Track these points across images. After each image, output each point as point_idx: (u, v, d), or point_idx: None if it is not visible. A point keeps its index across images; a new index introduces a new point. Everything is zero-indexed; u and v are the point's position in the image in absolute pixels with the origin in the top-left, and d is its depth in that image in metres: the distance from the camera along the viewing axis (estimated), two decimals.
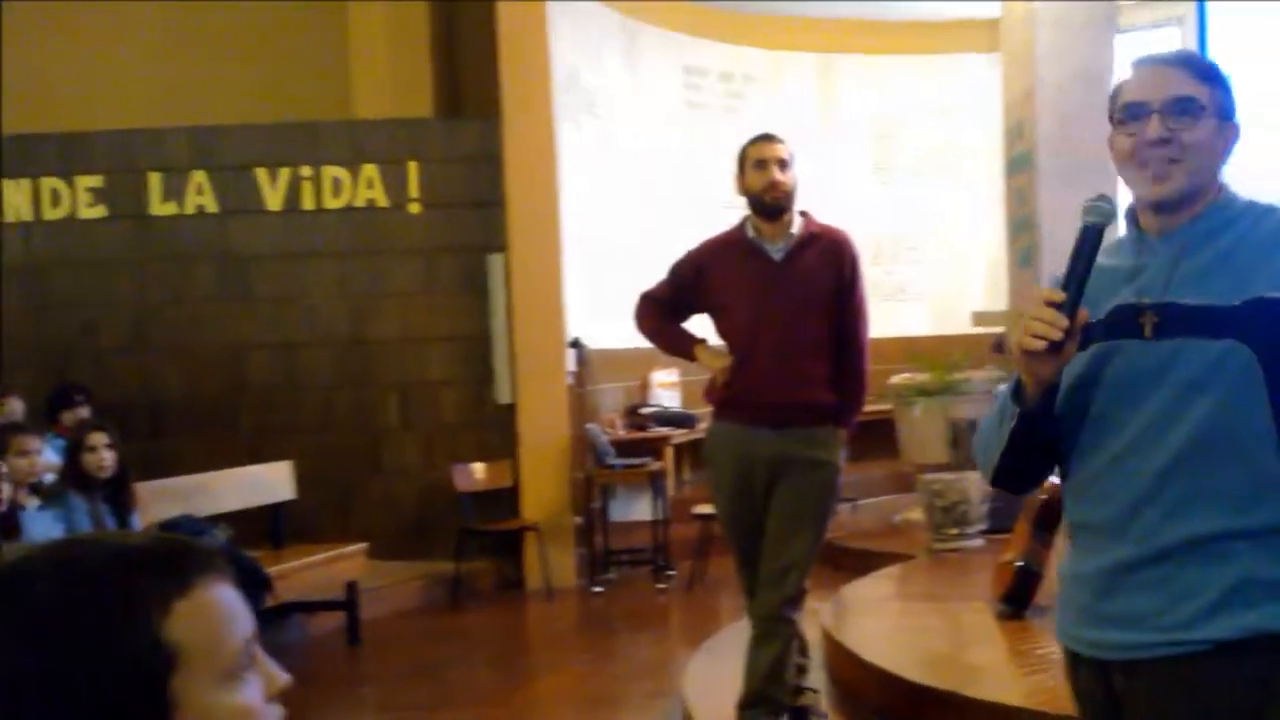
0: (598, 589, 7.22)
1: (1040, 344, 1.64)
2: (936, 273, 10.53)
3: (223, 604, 0.93)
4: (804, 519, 3.80)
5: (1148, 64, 1.80)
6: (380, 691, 5.60)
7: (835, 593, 5.46)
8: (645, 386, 8.83)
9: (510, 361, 7.46)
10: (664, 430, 8.20)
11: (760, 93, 10.16)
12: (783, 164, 3.78)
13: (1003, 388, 1.86)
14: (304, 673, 5.70)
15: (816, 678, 4.46)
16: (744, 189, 3.85)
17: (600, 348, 7.90)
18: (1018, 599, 4.82)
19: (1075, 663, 1.83)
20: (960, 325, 9.26)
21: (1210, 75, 1.78)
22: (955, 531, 6.52)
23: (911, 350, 7.55)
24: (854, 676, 4.42)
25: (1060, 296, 1.66)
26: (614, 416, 8.23)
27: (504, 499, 7.36)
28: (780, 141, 3.86)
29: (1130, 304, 1.74)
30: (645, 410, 8.44)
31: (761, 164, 3.78)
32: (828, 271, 3.82)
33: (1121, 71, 1.83)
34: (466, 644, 6.34)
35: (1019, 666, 4.26)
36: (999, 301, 8.83)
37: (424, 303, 7.61)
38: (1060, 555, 4.93)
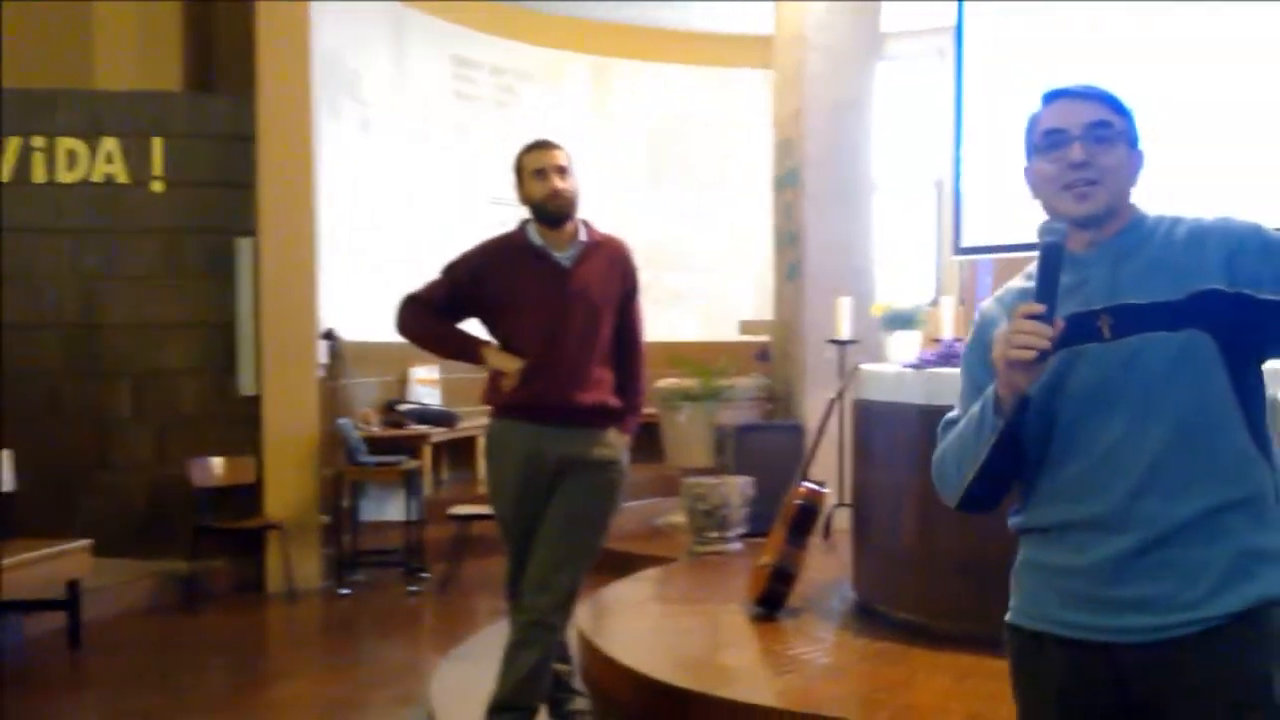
0: (344, 591, 6.93)
1: (1030, 354, 1.75)
2: (706, 280, 10.67)
3: None
4: (584, 522, 3.75)
5: (1063, 97, 1.94)
6: (103, 696, 5.21)
7: (594, 595, 5.40)
8: (404, 382, 8.61)
9: (256, 351, 7.09)
10: (422, 428, 8.00)
11: (533, 90, 10.10)
12: (562, 171, 3.73)
13: (954, 413, 1.99)
14: (21, 676, 5.28)
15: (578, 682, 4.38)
16: (525, 198, 3.78)
17: (356, 340, 7.63)
18: (772, 601, 4.88)
19: (1038, 645, 1.92)
20: (728, 333, 9.40)
21: (1118, 106, 1.94)
22: (715, 535, 6.57)
23: (678, 356, 7.57)
24: (608, 679, 4.37)
25: (1040, 309, 1.77)
26: (369, 412, 7.96)
27: (246, 496, 6.98)
28: (558, 148, 3.81)
29: (1084, 311, 1.86)
30: (403, 407, 8.21)
31: (541, 173, 3.72)
32: (613, 279, 3.82)
33: (1029, 104, 1.99)
34: (199, 647, 5.96)
35: (771, 667, 4.32)
36: (766, 311, 8.98)
37: (164, 286, 7.16)
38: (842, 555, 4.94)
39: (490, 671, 3.74)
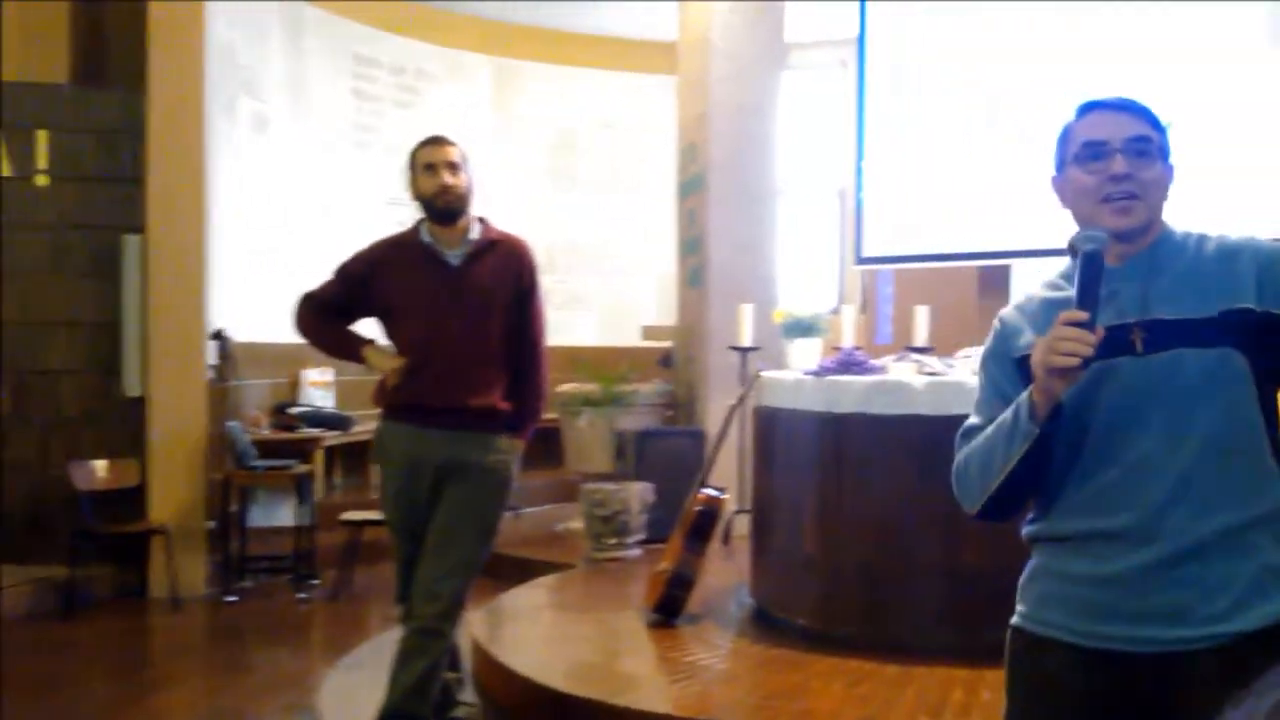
0: (231, 598, 6.74)
1: (1074, 360, 1.76)
2: (609, 285, 10.64)
3: None
4: (469, 528, 3.67)
5: (1100, 108, 1.96)
6: None
7: (490, 602, 5.32)
8: (296, 385, 8.41)
9: (142, 351, 6.86)
10: (314, 431, 7.81)
11: (436, 90, 9.98)
12: (453, 167, 3.68)
13: (974, 420, 1.99)
14: None
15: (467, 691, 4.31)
16: (416, 193, 3.73)
17: (247, 341, 7.42)
18: (670, 608, 4.85)
19: (1041, 650, 1.94)
20: (630, 338, 9.37)
21: (1155, 121, 1.94)
22: (614, 541, 6.53)
23: (580, 360, 7.52)
24: (503, 688, 4.31)
25: (1084, 316, 1.78)
26: (260, 415, 7.75)
27: (129, 500, 6.75)
28: (451, 144, 3.76)
29: (1118, 324, 1.86)
30: (295, 410, 8.01)
31: (431, 168, 3.68)
32: (506, 279, 3.75)
33: (1067, 117, 1.99)
34: (79, 655, 5.74)
35: (667, 674, 4.29)
36: (669, 317, 8.97)
37: (46, 283, 6.90)
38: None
39: (380, 680, 3.67)
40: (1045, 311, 1.91)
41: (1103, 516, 1.87)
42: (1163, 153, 1.93)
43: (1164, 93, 6.97)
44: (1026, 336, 1.92)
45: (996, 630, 4.04)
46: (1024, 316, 1.99)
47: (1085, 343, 1.76)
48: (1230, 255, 1.88)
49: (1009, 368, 1.96)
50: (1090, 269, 1.82)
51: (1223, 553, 1.81)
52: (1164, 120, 1.96)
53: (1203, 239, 1.93)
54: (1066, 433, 1.88)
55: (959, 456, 2.00)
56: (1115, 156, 1.89)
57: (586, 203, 10.63)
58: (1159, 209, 1.93)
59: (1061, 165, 1.97)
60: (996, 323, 2.06)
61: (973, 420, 2.00)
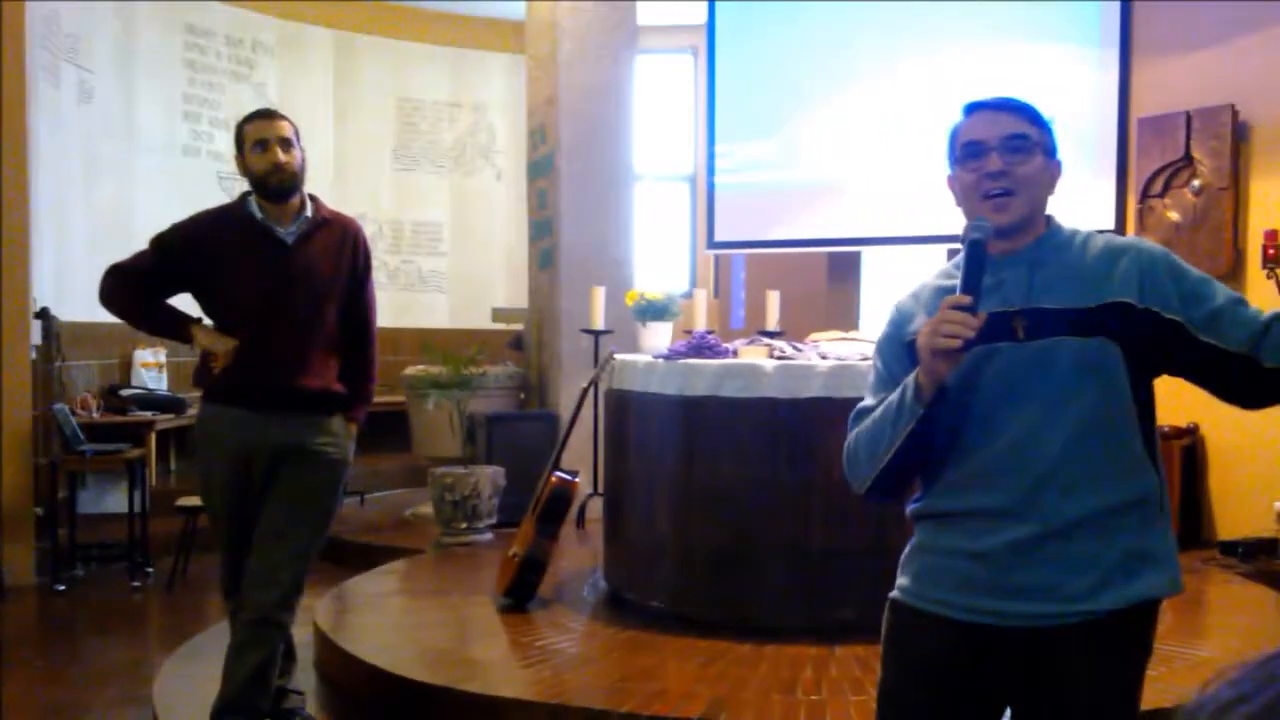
0: (61, 587, 6.47)
1: (956, 342, 1.83)
2: (458, 266, 10.49)
3: None
4: (304, 513, 3.56)
5: (982, 109, 2.03)
6: None
7: (335, 589, 5.20)
8: (126, 365, 8.10)
9: None
10: (146, 414, 7.53)
11: (272, 63, 9.66)
12: (286, 143, 3.51)
13: (866, 402, 2.06)
14: None
15: (308, 678, 4.23)
16: (245, 169, 3.55)
17: (74, 320, 7.10)
18: (521, 592, 4.83)
19: (917, 623, 2.01)
20: (480, 320, 9.26)
21: (1036, 118, 2.02)
22: (464, 525, 6.45)
23: (428, 342, 7.40)
24: (347, 675, 4.23)
25: (968, 300, 1.86)
26: (88, 397, 7.42)
27: None
28: (282, 118, 3.59)
29: (1001, 311, 1.94)
30: (126, 392, 7.71)
31: (263, 144, 3.50)
32: (340, 259, 3.62)
33: (954, 117, 2.08)
34: None
35: (519, 659, 4.25)
36: (520, 299, 8.89)
37: None
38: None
39: (218, 669, 3.56)
40: (936, 298, 1.98)
41: (979, 495, 1.96)
42: (1045, 148, 2.01)
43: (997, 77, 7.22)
44: (918, 321, 1.99)
45: (845, 608, 4.14)
46: (917, 303, 2.07)
47: (967, 325, 1.84)
48: (1115, 253, 1.96)
49: (900, 352, 2.03)
50: (974, 256, 1.90)
51: (1090, 534, 1.90)
52: (1048, 116, 2.04)
53: (1090, 236, 2.02)
54: (949, 414, 1.95)
55: (849, 438, 2.07)
56: (991, 155, 1.97)
57: (432, 182, 10.45)
58: (1039, 203, 2.01)
59: (950, 164, 2.06)
60: (892, 310, 2.14)
61: (865, 402, 2.08)
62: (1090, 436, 1.90)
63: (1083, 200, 6.93)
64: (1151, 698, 3.42)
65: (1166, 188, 6.60)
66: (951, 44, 7.34)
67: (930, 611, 2.00)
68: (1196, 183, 6.46)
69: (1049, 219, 2.04)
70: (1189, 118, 6.49)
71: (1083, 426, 1.90)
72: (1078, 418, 1.90)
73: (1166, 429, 6.36)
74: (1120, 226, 6.83)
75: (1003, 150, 1.97)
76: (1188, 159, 6.51)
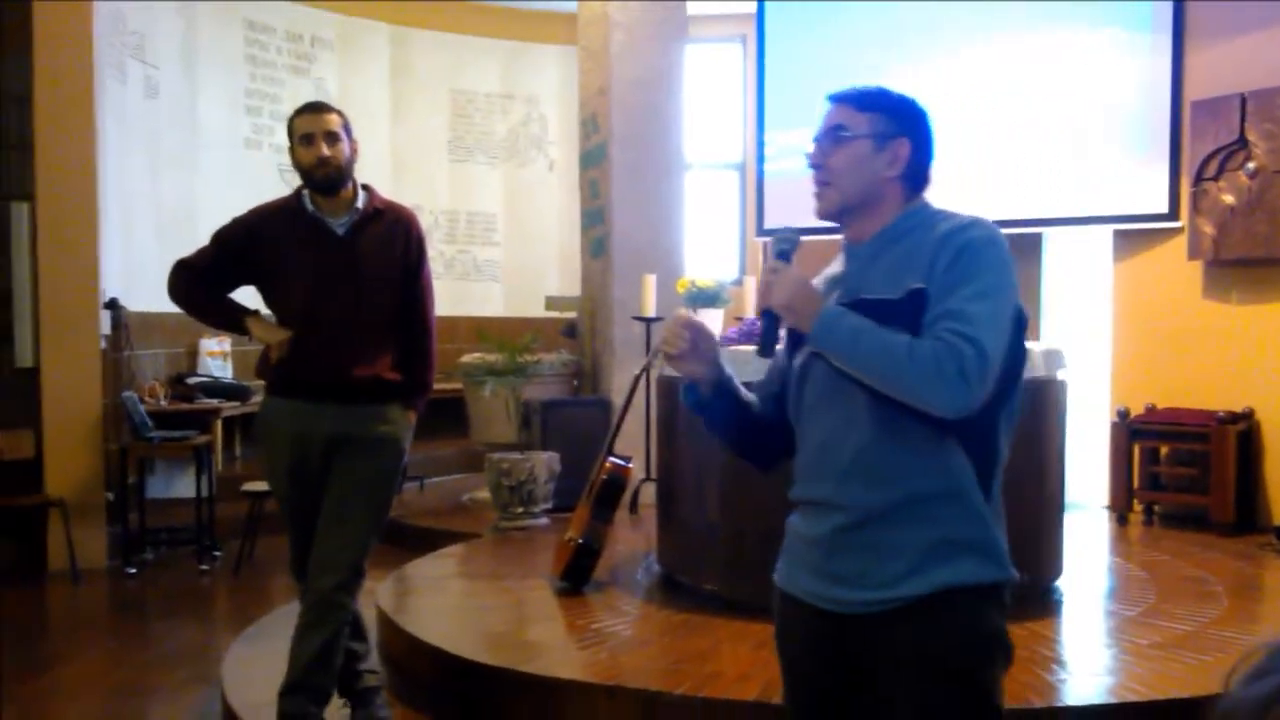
0: (132, 570, 6.66)
1: (672, 349, 2.04)
2: (513, 255, 10.61)
3: None
4: (364, 500, 3.61)
5: (828, 101, 2.06)
6: None
7: (396, 573, 5.31)
8: (193, 354, 8.30)
9: (34, 322, 6.70)
10: (212, 402, 7.72)
11: (331, 58, 9.83)
12: (331, 137, 3.54)
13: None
14: None
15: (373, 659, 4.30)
16: (295, 163, 3.60)
17: (142, 310, 7.29)
18: (577, 576, 4.89)
19: (785, 605, 2.09)
20: (534, 308, 9.38)
21: (869, 104, 2.02)
22: (521, 510, 6.56)
23: (484, 330, 7.52)
24: (409, 657, 4.31)
25: (684, 317, 2.08)
26: (156, 385, 7.62)
27: (24, 472, 6.62)
28: (330, 111, 3.62)
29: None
30: (192, 380, 7.90)
31: (309, 138, 3.53)
32: (393, 249, 3.65)
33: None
34: None
35: (575, 641, 4.29)
36: (573, 288, 8.99)
37: None
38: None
39: (284, 651, 3.63)
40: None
41: (808, 485, 2.04)
42: (872, 136, 2.00)
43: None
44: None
45: None
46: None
47: (673, 338, 2.04)
48: (941, 237, 1.92)
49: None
50: (778, 257, 2.01)
51: (899, 522, 1.91)
52: (885, 101, 2.03)
53: (946, 219, 1.96)
54: (794, 409, 2.07)
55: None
56: (814, 146, 2.04)
57: (486, 173, 10.57)
58: (861, 192, 2.00)
59: None
60: None
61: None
62: (887, 429, 1.90)
63: (1135, 184, 6.92)
64: (1205, 684, 3.49)
65: (1221, 171, 6.56)
66: (1000, 31, 7.34)
67: (788, 592, 2.08)
68: (1251, 165, 6.41)
69: (910, 204, 2.03)
70: (1243, 100, 6.44)
71: (880, 418, 1.90)
72: (874, 410, 1.90)
73: (1222, 414, 6.34)
74: (1174, 210, 6.80)
75: (822, 141, 2.02)
76: (1242, 142, 6.46)
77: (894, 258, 1.95)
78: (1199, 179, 6.63)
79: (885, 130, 2.00)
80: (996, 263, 1.88)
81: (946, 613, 1.90)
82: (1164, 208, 6.85)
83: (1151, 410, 6.77)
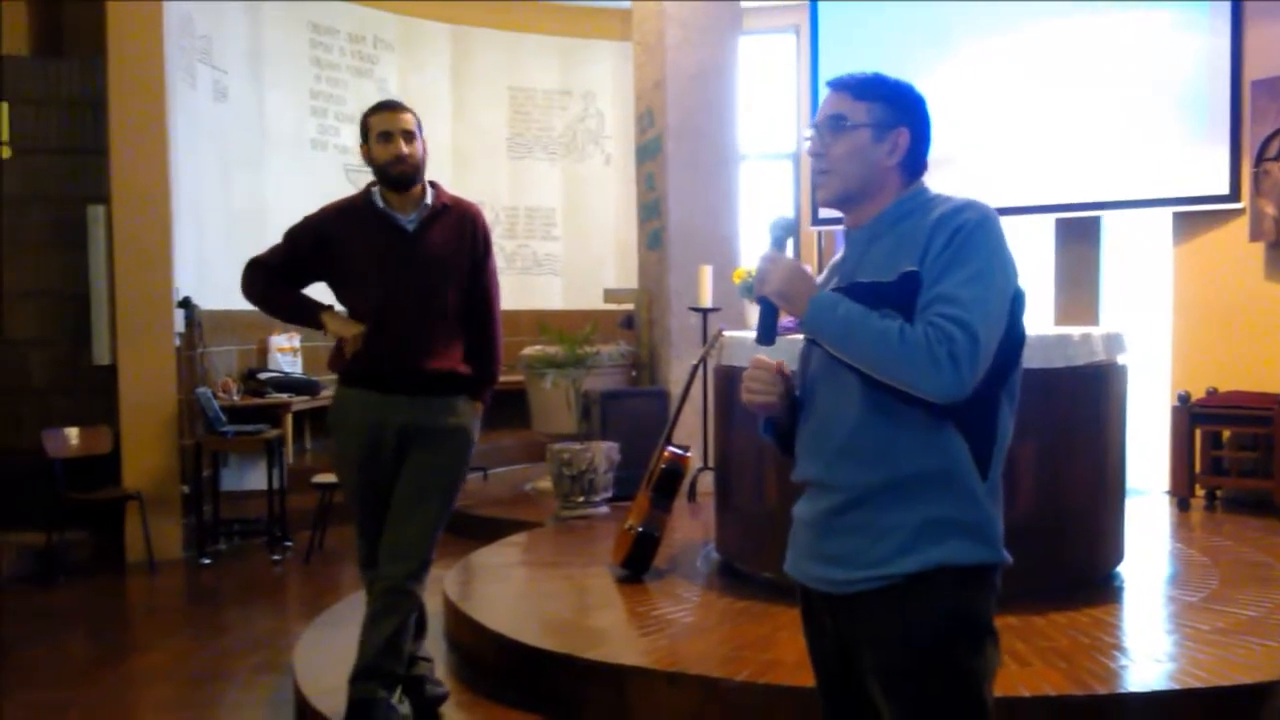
0: (206, 561, 6.86)
1: (757, 400, 2.10)
2: (571, 249, 10.72)
3: None
4: (433, 490, 3.69)
5: (827, 88, 2.08)
6: None
7: (461, 561, 5.42)
8: (264, 351, 8.48)
9: (110, 321, 6.92)
10: (283, 396, 7.91)
11: (392, 58, 9.98)
12: (409, 135, 3.63)
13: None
14: None
15: (437, 646, 4.40)
16: (370, 159, 3.68)
17: (213, 308, 7.49)
18: (637, 563, 4.96)
19: (805, 593, 2.10)
20: (593, 301, 9.47)
21: (867, 93, 2.03)
22: (582, 499, 6.65)
23: (544, 323, 7.63)
24: (474, 643, 4.38)
25: (771, 364, 2.09)
26: (229, 381, 7.82)
27: (103, 466, 6.83)
28: (405, 110, 3.69)
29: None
30: (263, 375, 8.09)
31: (387, 136, 3.61)
32: (461, 244, 3.73)
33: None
34: (55, 621, 5.82)
35: (636, 628, 4.34)
36: (630, 280, 9.07)
37: (11, 256, 6.94)
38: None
39: (354, 638, 3.71)
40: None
41: (804, 467, 2.07)
42: (872, 125, 2.01)
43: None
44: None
45: None
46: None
47: (766, 388, 2.06)
48: (936, 220, 1.92)
49: None
50: (774, 245, 2.04)
51: (889, 503, 1.93)
52: (884, 90, 2.03)
53: (942, 203, 1.97)
54: (801, 387, 2.09)
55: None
56: (814, 135, 2.05)
57: (544, 168, 10.68)
58: (862, 180, 2.02)
59: None
60: None
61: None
62: (878, 410, 1.91)
63: (1195, 166, 6.86)
64: (1269, 669, 3.48)
65: None
66: (1054, 15, 7.29)
67: (797, 579, 2.10)
68: None
69: (907, 190, 2.04)
70: None
71: (871, 400, 1.91)
72: (865, 392, 1.92)
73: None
74: (1235, 192, 6.73)
75: (822, 131, 2.03)
76: None
77: (890, 242, 1.97)
78: (1260, 159, 6.57)
79: (885, 120, 2.02)
80: (989, 246, 1.89)
81: (931, 592, 1.90)
82: (1224, 189, 6.79)
83: (1213, 394, 6.72)
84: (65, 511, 6.61)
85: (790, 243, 2.08)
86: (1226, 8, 6.76)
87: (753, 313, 5.84)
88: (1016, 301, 1.94)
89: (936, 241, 1.89)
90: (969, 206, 1.93)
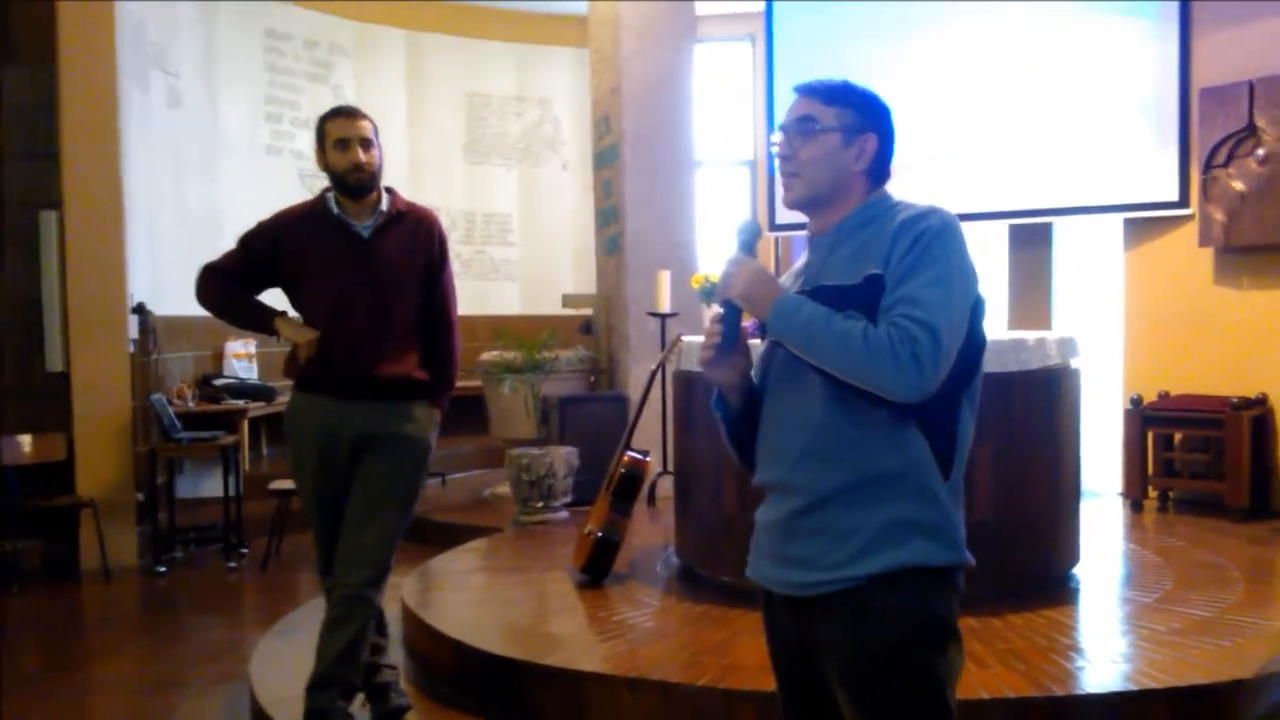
0: (162, 569, 6.80)
1: (710, 353, 2.05)
2: (529, 254, 10.71)
3: None
4: (390, 496, 3.68)
5: (794, 92, 2.09)
6: None
7: (419, 567, 5.40)
8: (219, 357, 8.42)
9: (64, 327, 6.84)
10: (239, 403, 7.84)
11: (348, 64, 9.94)
12: (366, 142, 3.61)
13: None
14: None
15: (395, 653, 4.36)
16: (326, 166, 3.66)
17: (168, 314, 7.42)
18: (597, 568, 4.96)
19: (767, 596, 2.10)
20: (551, 306, 9.47)
21: (836, 98, 2.05)
22: (541, 504, 6.65)
23: (502, 328, 7.62)
24: (432, 650, 4.37)
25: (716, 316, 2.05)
26: (184, 387, 7.75)
27: (56, 474, 6.76)
28: (363, 117, 3.67)
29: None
30: (219, 381, 8.02)
31: (344, 143, 3.59)
32: (416, 250, 3.72)
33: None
34: (10, 628, 5.74)
35: (596, 634, 4.34)
36: (588, 285, 9.08)
37: None
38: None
39: (311, 646, 3.69)
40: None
41: (765, 471, 2.07)
42: (841, 129, 2.03)
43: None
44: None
45: None
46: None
47: (709, 337, 2.02)
48: (900, 225, 1.94)
49: None
50: (740, 249, 2.04)
51: (852, 503, 1.93)
52: (854, 96, 2.06)
53: (906, 209, 1.99)
54: (762, 389, 2.09)
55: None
56: (782, 137, 2.06)
57: (501, 174, 10.67)
58: (828, 183, 2.04)
59: None
60: None
61: None
62: (841, 411, 1.92)
63: (1145, 171, 6.96)
64: (1223, 669, 3.52)
65: (1230, 158, 6.59)
66: (1010, 19, 7.38)
67: (757, 580, 2.11)
68: (1261, 151, 6.45)
69: (871, 195, 2.06)
70: (1251, 87, 6.47)
71: (834, 401, 1.92)
72: (828, 393, 1.92)
73: (1235, 400, 6.39)
74: (1184, 198, 6.84)
75: (790, 133, 2.04)
76: (1251, 129, 6.49)
77: (854, 247, 1.99)
78: (1209, 166, 6.67)
79: (853, 125, 2.03)
80: (951, 251, 1.91)
81: (894, 594, 1.90)
82: (1174, 195, 6.89)
83: (1164, 397, 6.82)
84: (18, 519, 6.54)
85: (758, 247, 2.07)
86: (1175, 16, 6.86)
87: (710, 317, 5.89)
88: (977, 308, 1.97)
89: (900, 246, 1.91)
90: (932, 213, 1.96)
